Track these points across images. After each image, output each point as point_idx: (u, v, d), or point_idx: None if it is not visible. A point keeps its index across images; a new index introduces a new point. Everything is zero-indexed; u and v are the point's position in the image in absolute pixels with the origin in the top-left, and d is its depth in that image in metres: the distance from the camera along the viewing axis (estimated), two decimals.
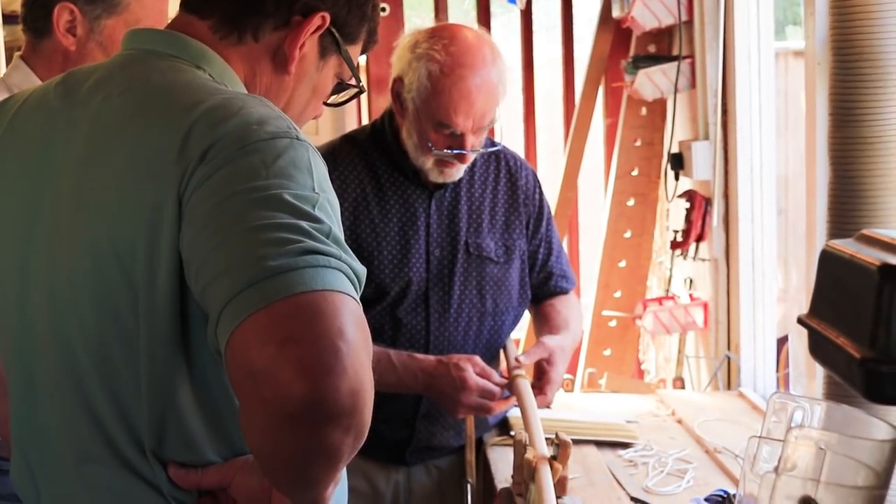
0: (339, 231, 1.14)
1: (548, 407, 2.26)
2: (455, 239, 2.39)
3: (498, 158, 2.47)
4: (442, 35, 2.26)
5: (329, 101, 1.49)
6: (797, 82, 3.44)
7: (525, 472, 1.64)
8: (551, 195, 3.67)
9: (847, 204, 1.72)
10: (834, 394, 1.75)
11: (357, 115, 4.51)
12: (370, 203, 2.37)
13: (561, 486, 1.61)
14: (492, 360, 2.46)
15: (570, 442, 1.64)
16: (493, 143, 2.41)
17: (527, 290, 2.50)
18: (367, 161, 2.39)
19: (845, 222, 1.73)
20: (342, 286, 1.06)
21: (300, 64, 1.36)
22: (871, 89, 1.68)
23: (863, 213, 1.71)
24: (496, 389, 2.22)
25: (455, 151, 2.25)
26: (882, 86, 1.68)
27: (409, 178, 2.38)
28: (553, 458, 1.67)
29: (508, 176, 2.48)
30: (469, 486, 1.86)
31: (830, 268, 0.90)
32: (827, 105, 1.76)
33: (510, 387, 2.21)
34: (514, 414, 2.48)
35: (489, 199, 2.44)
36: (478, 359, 2.25)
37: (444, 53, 2.22)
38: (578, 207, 4.53)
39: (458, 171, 2.33)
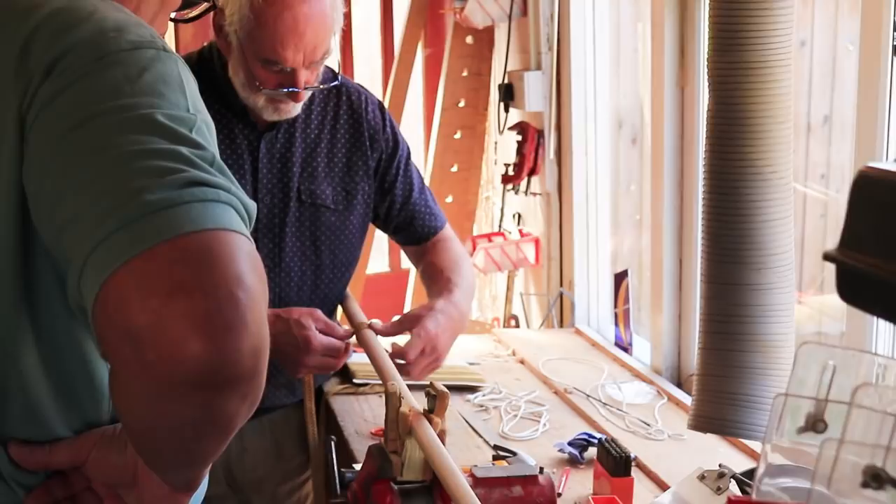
0: (221, 158, 0.97)
1: (415, 378, 2.08)
2: (287, 185, 2.18)
3: (339, 93, 2.25)
4: None
5: (176, 17, 1.30)
6: (628, 17, 3.40)
7: (400, 427, 1.51)
8: None
9: (728, 132, 1.67)
10: (713, 335, 1.70)
11: None
12: None
13: (441, 440, 1.50)
14: (331, 314, 2.31)
15: (447, 392, 1.52)
16: (334, 77, 2.20)
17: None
18: None
19: (726, 150, 1.68)
20: (235, 223, 0.90)
21: None
22: (756, 11, 1.62)
23: (746, 141, 1.65)
24: (341, 346, 2.06)
25: (287, 90, 2.04)
26: (768, 7, 1.61)
27: (238, 116, 2.15)
28: (429, 410, 1.55)
29: (350, 112, 2.26)
30: (332, 443, 1.70)
31: (873, 192, 0.80)
32: (707, 29, 1.68)
33: (358, 340, 2.06)
34: (355, 360, 2.34)
35: (327, 140, 2.23)
36: (319, 313, 2.07)
37: None
38: None
39: (294, 108, 2.11)
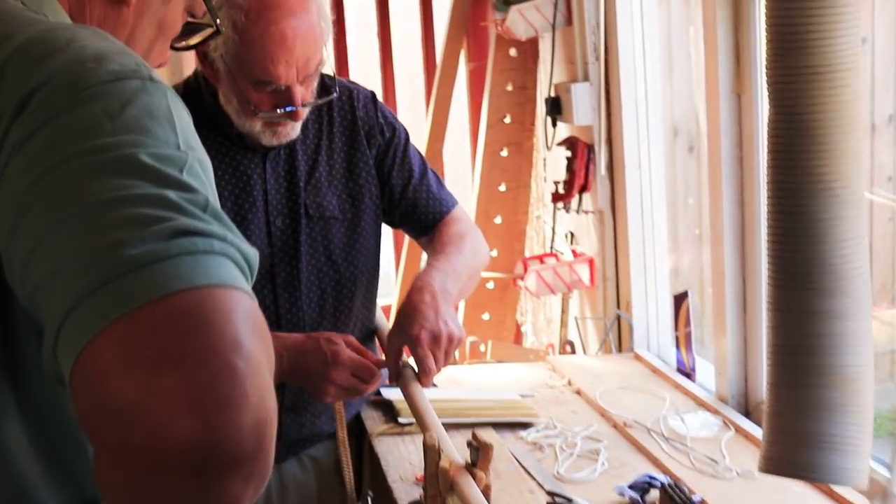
0: (216, 201, 0.86)
1: (433, 385, 1.98)
2: (296, 203, 2.09)
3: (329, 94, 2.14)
4: None
5: (178, 45, 1.20)
6: (677, 21, 3.27)
7: (441, 483, 1.40)
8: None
9: (792, 143, 1.53)
10: (782, 369, 1.56)
11: None
12: None
13: (486, 497, 1.38)
14: (365, 340, 2.21)
15: (492, 444, 1.40)
16: (327, 90, 2.09)
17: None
18: None
19: (790, 164, 1.54)
20: (231, 278, 0.79)
21: None
22: (818, 10, 1.48)
23: (811, 153, 1.51)
24: (372, 367, 1.94)
25: (286, 110, 1.95)
26: (830, 5, 1.48)
27: (236, 142, 2.06)
28: (472, 463, 1.43)
29: (342, 113, 2.16)
30: (370, 498, 1.60)
31: None
32: (764, 31, 1.55)
33: (396, 383, 1.95)
34: (399, 397, 2.23)
35: (326, 147, 2.14)
36: (353, 338, 1.97)
37: None
38: (444, 161, 4.30)
39: (294, 129, 2.02)
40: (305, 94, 1.97)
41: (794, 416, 1.54)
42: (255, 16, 1.88)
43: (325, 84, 2.11)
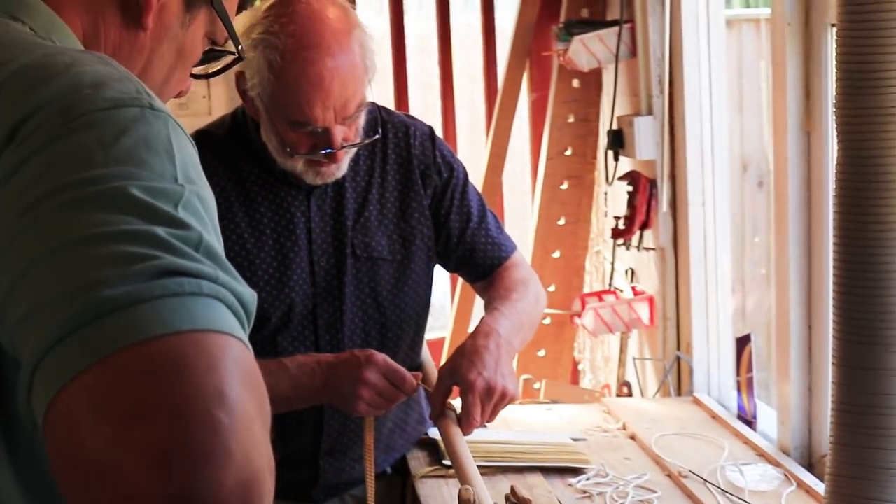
0: (215, 240, 0.80)
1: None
2: (342, 242, 2.03)
3: (384, 132, 2.09)
4: (279, 11, 1.88)
5: (198, 72, 1.15)
6: (749, 54, 3.19)
7: None
8: (475, 181, 3.37)
9: (861, 189, 1.45)
10: (846, 429, 1.47)
11: None
12: (236, 214, 2.00)
13: None
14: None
15: (531, 500, 1.33)
16: (376, 122, 2.03)
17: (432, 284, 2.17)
18: (229, 162, 2.02)
19: (859, 211, 1.46)
20: (221, 322, 0.73)
21: (159, 16, 1.02)
22: (890, 48, 1.40)
23: (883, 200, 1.43)
24: (407, 374, 1.88)
25: (324, 152, 1.90)
26: None
27: (280, 179, 2.01)
28: None
29: (397, 150, 2.10)
30: None
31: None
32: (834, 68, 1.47)
33: (436, 423, 1.89)
34: None
35: (377, 186, 2.07)
36: (387, 357, 1.91)
37: (284, 35, 1.84)
38: (503, 193, 4.24)
39: (338, 169, 1.96)
40: (349, 134, 1.92)
41: (858, 479, 1.45)
42: (291, 56, 1.83)
43: (381, 118, 2.06)
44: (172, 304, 0.71)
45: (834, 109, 1.49)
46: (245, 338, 0.76)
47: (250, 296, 0.79)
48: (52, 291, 0.73)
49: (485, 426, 1.90)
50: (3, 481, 0.86)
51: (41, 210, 0.76)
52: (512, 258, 2.19)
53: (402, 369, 1.89)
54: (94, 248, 0.74)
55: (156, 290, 0.72)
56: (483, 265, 2.17)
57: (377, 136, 2.01)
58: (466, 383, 1.83)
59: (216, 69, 1.17)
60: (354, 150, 1.98)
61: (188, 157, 0.84)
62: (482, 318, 2.00)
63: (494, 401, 1.85)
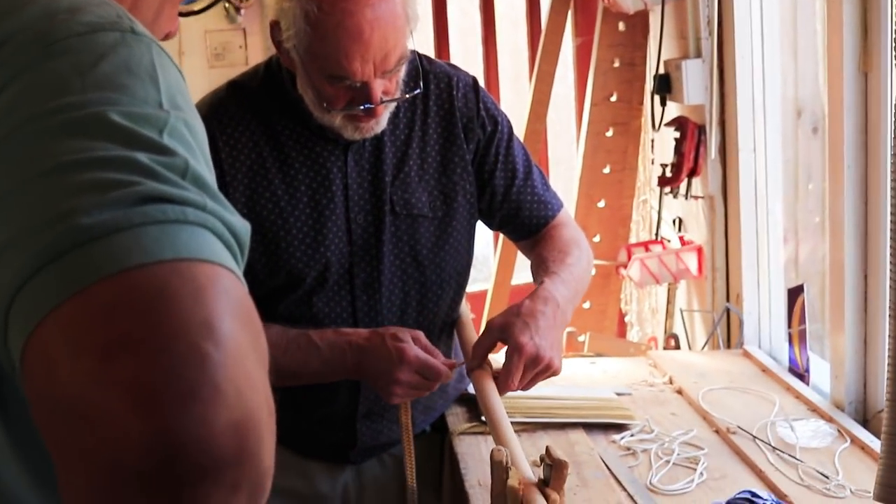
0: (205, 169, 0.74)
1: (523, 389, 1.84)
2: (380, 198, 1.95)
3: (426, 83, 2.00)
4: None
5: (182, 9, 1.08)
6: None
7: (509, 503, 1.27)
8: (517, 128, 3.28)
9: None
10: None
11: None
12: (270, 170, 1.92)
13: None
14: (441, 333, 2.09)
15: (567, 462, 1.26)
16: (417, 73, 1.93)
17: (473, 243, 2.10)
18: (262, 115, 1.94)
19: None
20: (208, 251, 0.67)
21: None
22: None
23: None
24: (441, 367, 1.82)
25: (363, 107, 1.81)
26: None
27: (316, 133, 1.93)
28: (544, 482, 1.29)
29: (439, 102, 2.01)
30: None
31: None
32: (894, 4, 1.37)
33: (470, 374, 1.83)
34: None
35: (418, 140, 1.99)
36: (421, 334, 1.85)
37: None
38: (548, 140, 4.15)
39: (377, 124, 1.87)
40: (389, 88, 1.83)
41: None
42: (329, 6, 1.73)
43: (422, 69, 1.98)
44: (155, 231, 0.66)
45: (894, 45, 1.39)
46: (238, 270, 0.70)
47: (243, 226, 0.73)
48: (26, 223, 0.68)
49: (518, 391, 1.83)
50: None
51: (14, 140, 0.71)
52: (559, 217, 2.12)
53: (436, 364, 1.81)
54: (70, 176, 0.68)
55: (136, 217, 0.66)
56: (529, 224, 2.09)
57: (418, 91, 1.93)
58: (517, 345, 1.76)
59: (205, 5, 1.10)
60: (394, 104, 1.90)
61: (174, 83, 0.78)
62: (542, 280, 1.91)
63: (538, 370, 1.79)
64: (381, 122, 1.88)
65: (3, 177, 0.70)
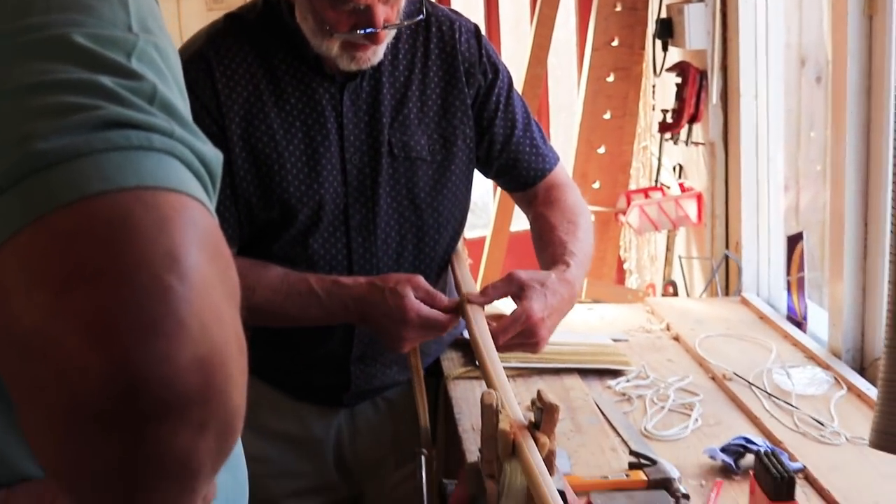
0: (177, 96, 0.71)
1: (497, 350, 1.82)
2: (377, 140, 1.93)
3: (427, 25, 1.98)
4: None
5: None
6: None
7: (501, 447, 1.25)
8: (517, 74, 3.23)
9: None
10: None
11: None
12: (266, 103, 1.89)
13: (549, 464, 1.23)
14: (438, 278, 2.07)
15: (557, 405, 1.25)
16: (420, 7, 1.90)
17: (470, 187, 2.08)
18: (260, 47, 1.90)
19: None
20: (174, 180, 0.64)
21: None
22: None
23: None
24: (443, 318, 1.80)
25: (364, 31, 1.78)
26: None
27: (313, 67, 1.90)
28: (535, 425, 1.28)
29: (442, 45, 1.99)
30: (423, 458, 1.48)
31: None
32: None
33: (463, 317, 1.81)
34: None
35: (418, 82, 1.96)
36: (420, 279, 1.82)
37: None
38: (549, 86, 4.11)
39: (374, 55, 1.84)
40: (390, 14, 1.80)
41: None
42: None
43: (426, 10, 1.94)
44: (117, 158, 0.63)
45: None
46: (207, 201, 0.67)
47: (214, 156, 0.69)
48: None
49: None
50: None
51: None
52: (556, 171, 2.12)
53: (439, 318, 1.79)
54: (29, 100, 0.65)
55: (97, 143, 0.63)
56: (526, 176, 2.09)
57: (420, 17, 1.90)
58: (528, 310, 1.75)
59: None
60: (394, 32, 1.87)
61: (145, 5, 0.74)
62: (560, 260, 1.89)
63: (526, 340, 1.79)
64: (379, 53, 1.85)
65: None
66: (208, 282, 0.62)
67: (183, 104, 0.72)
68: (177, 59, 0.75)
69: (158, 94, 0.68)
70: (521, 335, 1.76)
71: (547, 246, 1.97)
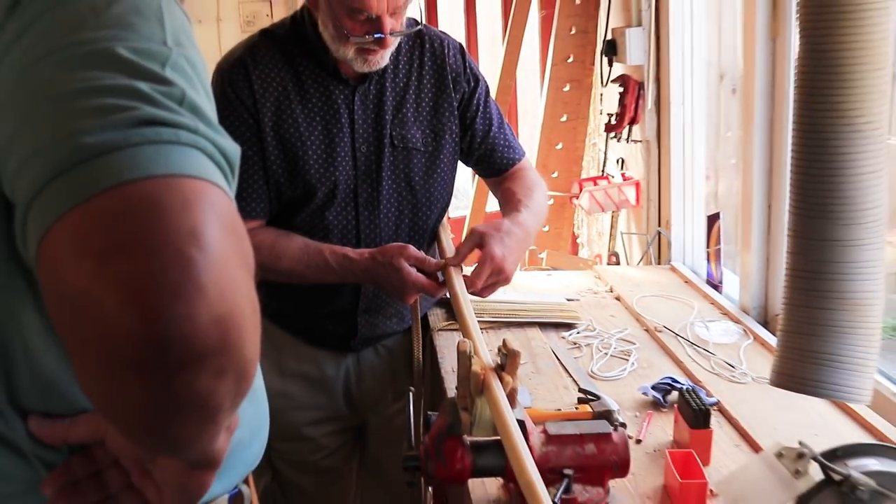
0: (204, 100, 0.69)
1: (480, 295, 1.83)
2: (381, 133, 1.93)
3: (422, 42, 1.99)
4: None
5: None
6: None
7: (472, 385, 1.24)
8: (492, 84, 3.20)
9: (818, 80, 1.30)
10: (797, 292, 1.36)
11: None
12: (293, 100, 1.89)
13: (511, 399, 1.22)
14: (429, 246, 2.06)
15: (519, 352, 1.24)
16: (416, 23, 1.90)
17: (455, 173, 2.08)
18: (288, 57, 1.90)
19: (816, 100, 1.31)
20: (197, 168, 0.63)
21: None
22: None
23: (837, 90, 1.29)
24: (431, 284, 1.81)
25: (375, 36, 1.78)
26: None
27: (331, 74, 1.90)
28: (500, 367, 1.27)
29: (434, 58, 1.99)
30: (411, 394, 1.47)
31: None
32: None
33: (444, 278, 1.81)
34: None
35: (414, 87, 1.96)
36: (411, 249, 1.82)
37: None
38: (517, 94, 4.08)
39: (381, 58, 1.84)
40: (395, 25, 1.81)
41: (806, 335, 1.34)
42: None
43: (421, 31, 1.96)
44: (149, 151, 0.62)
45: (797, 7, 1.34)
46: (227, 187, 0.66)
47: (233, 149, 0.68)
48: (39, 142, 0.64)
49: (480, 296, 1.83)
50: (30, 324, 0.77)
51: (35, 69, 0.67)
52: (522, 161, 2.14)
53: (433, 286, 1.80)
54: (78, 102, 0.64)
55: (132, 138, 0.62)
56: (500, 164, 2.10)
57: (419, 27, 1.90)
58: (490, 254, 1.78)
59: None
60: (398, 39, 1.87)
61: (179, 24, 0.73)
62: (518, 209, 1.92)
63: (495, 280, 1.80)
64: (385, 57, 1.85)
65: (25, 102, 0.66)
66: (225, 254, 0.61)
67: (209, 106, 0.70)
68: (204, 68, 0.74)
69: (187, 98, 0.67)
70: (492, 275, 1.78)
71: (507, 203, 2.00)
